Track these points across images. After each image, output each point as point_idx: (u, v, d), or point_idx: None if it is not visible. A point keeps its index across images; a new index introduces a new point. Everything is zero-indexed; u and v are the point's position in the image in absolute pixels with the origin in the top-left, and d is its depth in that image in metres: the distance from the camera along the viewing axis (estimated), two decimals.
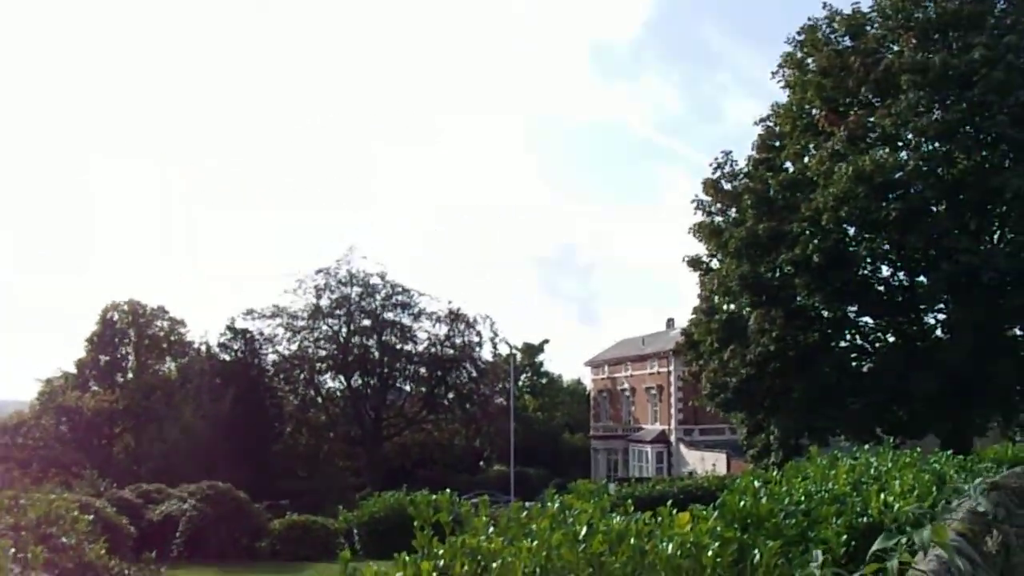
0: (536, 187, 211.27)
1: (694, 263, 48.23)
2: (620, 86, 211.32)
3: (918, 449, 12.44)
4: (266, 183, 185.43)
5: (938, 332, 44.02)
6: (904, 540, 3.92)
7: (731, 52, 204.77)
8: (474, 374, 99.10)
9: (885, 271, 44.57)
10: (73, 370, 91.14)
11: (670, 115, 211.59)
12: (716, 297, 45.65)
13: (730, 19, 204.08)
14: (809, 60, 44.52)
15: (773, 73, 46.37)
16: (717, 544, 5.93)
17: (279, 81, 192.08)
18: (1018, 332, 42.06)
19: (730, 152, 47.08)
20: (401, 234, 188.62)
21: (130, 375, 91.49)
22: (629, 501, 8.87)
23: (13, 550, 7.26)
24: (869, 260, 43.01)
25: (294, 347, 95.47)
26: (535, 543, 6.56)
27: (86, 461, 67.11)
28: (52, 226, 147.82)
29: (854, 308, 44.34)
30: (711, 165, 47.12)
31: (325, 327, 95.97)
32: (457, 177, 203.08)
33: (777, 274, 42.35)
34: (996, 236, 42.54)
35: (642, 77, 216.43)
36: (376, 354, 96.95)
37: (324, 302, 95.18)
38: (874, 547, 3.86)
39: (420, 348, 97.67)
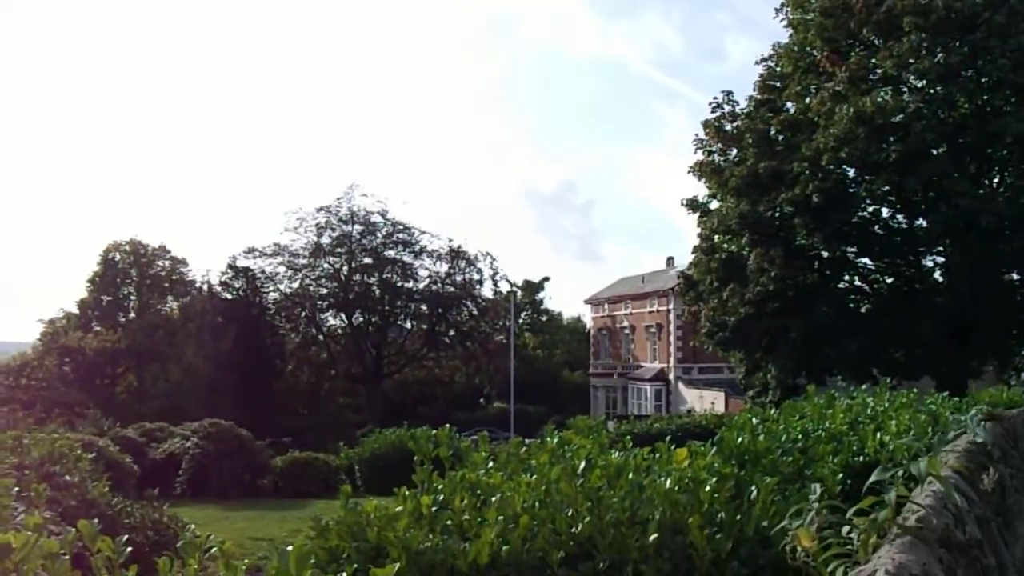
0: (535, 123, 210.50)
1: (692, 205, 48.11)
2: (619, 24, 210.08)
3: (914, 390, 12.52)
4: (266, 121, 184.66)
5: (936, 275, 44.14)
6: (900, 472, 3.98)
7: None
8: (475, 311, 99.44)
9: (884, 213, 44.60)
10: (75, 311, 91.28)
11: (670, 54, 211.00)
12: (716, 236, 45.60)
13: None
14: (812, 0, 44.23)
15: (776, 10, 46.07)
16: (715, 480, 6.01)
17: (280, 19, 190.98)
18: (1015, 276, 42.12)
19: (730, 92, 46.81)
20: (403, 171, 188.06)
21: (132, 315, 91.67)
22: (628, 437, 8.96)
23: (17, 488, 7.31)
24: (869, 202, 42.98)
25: (295, 285, 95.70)
26: (534, 478, 6.64)
27: (89, 401, 67.28)
28: (52, 165, 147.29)
29: (853, 249, 44.40)
30: (711, 105, 46.93)
31: (326, 265, 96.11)
32: (456, 113, 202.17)
33: (777, 214, 42.35)
34: (995, 180, 42.53)
35: (642, 15, 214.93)
36: (377, 292, 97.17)
37: (325, 240, 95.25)
38: (871, 479, 3.92)
39: (421, 286, 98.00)
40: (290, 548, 3.54)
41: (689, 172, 46.71)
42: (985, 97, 40.41)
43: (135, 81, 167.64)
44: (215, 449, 39.47)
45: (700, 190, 48.23)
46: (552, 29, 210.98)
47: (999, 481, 6.74)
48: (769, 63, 47.06)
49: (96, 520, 4.75)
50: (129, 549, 4.72)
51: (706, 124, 46.29)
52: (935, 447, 5.49)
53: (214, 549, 4.78)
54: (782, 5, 45.70)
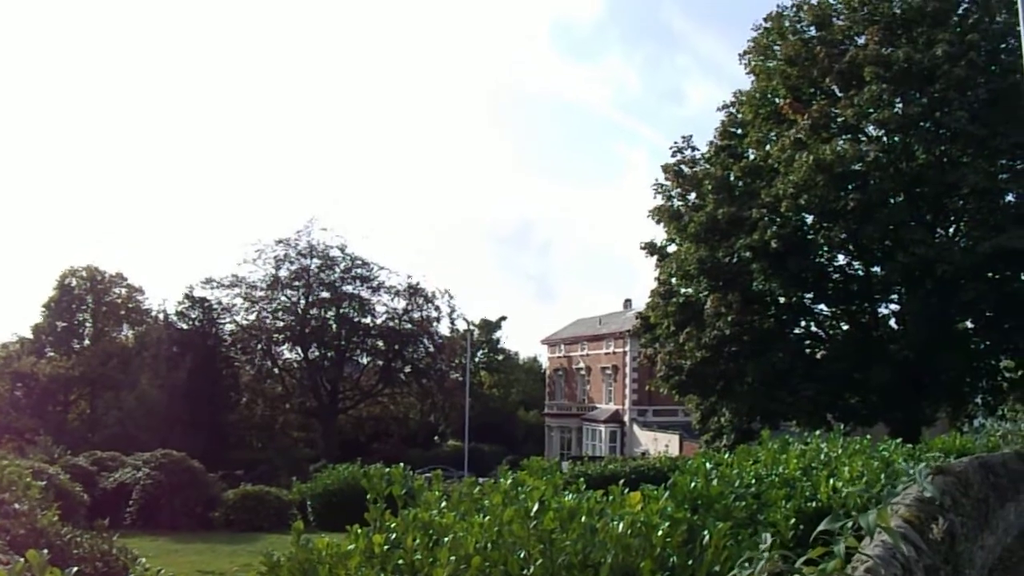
0: (495, 164, 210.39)
1: (651, 248, 48.23)
2: (581, 66, 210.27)
3: (868, 436, 12.61)
4: (226, 152, 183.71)
5: (892, 322, 44.38)
6: (850, 524, 4.00)
7: (693, 35, 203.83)
8: (431, 349, 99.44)
9: (841, 260, 44.83)
10: (29, 335, 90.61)
11: (631, 96, 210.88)
12: (674, 280, 45.72)
13: (692, 1, 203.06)
14: (775, 47, 44.56)
15: (741, 56, 46.35)
16: (667, 524, 6.01)
17: (245, 50, 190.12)
18: (969, 325, 42.41)
19: (690, 137, 47.31)
20: (361, 206, 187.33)
21: (87, 342, 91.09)
22: (581, 479, 9.00)
23: None
24: (826, 248, 43.19)
25: (252, 317, 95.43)
26: (487, 518, 6.63)
27: (40, 427, 66.82)
28: (8, 187, 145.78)
29: (810, 295, 44.60)
30: (671, 150, 47.13)
31: (283, 298, 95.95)
32: (415, 151, 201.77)
33: (735, 259, 42.49)
34: (952, 230, 42.86)
35: (604, 57, 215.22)
36: (334, 326, 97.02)
37: (283, 273, 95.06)
38: (819, 528, 3.95)
39: (378, 321, 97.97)
40: None
41: (648, 216, 46.86)
42: (943, 148, 40.77)
43: (96, 106, 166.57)
44: (167, 480, 39.22)
45: (659, 233, 48.46)
46: (510, 70, 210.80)
47: (949, 530, 6.79)
48: (730, 109, 47.35)
49: (45, 550, 4.72)
50: None
51: (666, 168, 46.50)
52: (884, 499, 5.53)
53: None
54: (745, 52, 46.03)
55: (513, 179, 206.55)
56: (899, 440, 13.59)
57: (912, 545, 4.96)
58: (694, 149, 46.93)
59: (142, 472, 39.76)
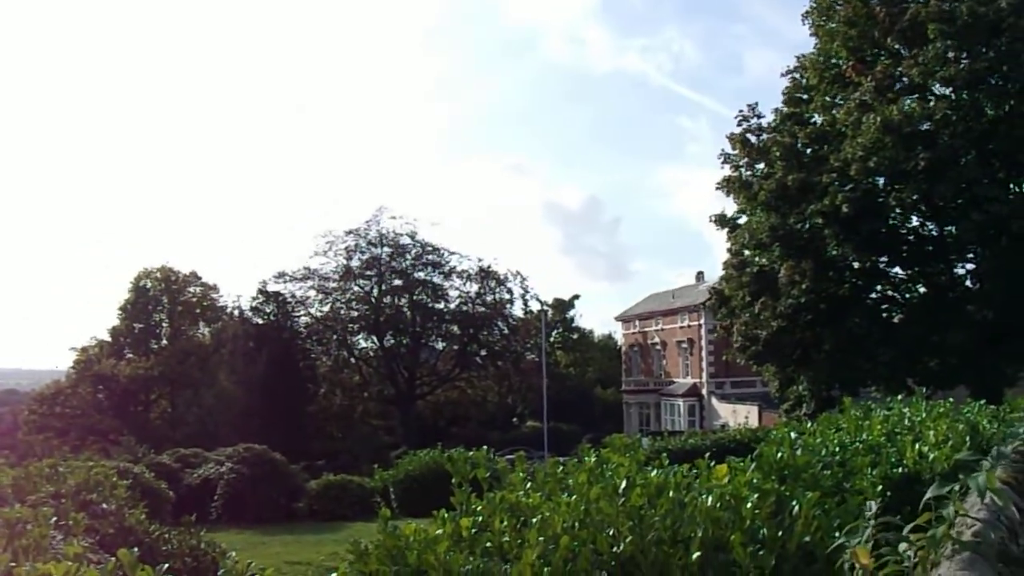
0: (557, 141, 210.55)
1: (721, 220, 47.97)
2: (637, 40, 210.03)
3: (950, 399, 12.44)
4: (295, 145, 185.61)
5: (968, 282, 43.83)
6: (957, 487, 3.94)
7: (748, 3, 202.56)
8: (506, 331, 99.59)
9: (915, 221, 44.39)
10: (108, 338, 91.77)
11: (689, 68, 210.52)
12: (746, 251, 45.48)
13: None
14: (837, 7, 44.07)
15: (803, 16, 45.88)
16: (755, 496, 5.96)
17: (307, 48, 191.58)
18: None
19: (755, 105, 46.70)
20: (429, 193, 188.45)
21: (164, 341, 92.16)
22: (663, 454, 8.94)
23: (55, 518, 7.33)
24: (899, 210, 42.76)
25: (326, 309, 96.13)
26: (574, 497, 6.61)
27: (123, 428, 67.77)
28: (83, 195, 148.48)
29: (884, 259, 44.16)
30: (736, 119, 46.87)
31: (356, 288, 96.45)
32: (478, 134, 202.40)
33: (807, 226, 42.20)
34: None
35: (660, 31, 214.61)
36: (408, 313, 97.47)
37: (355, 263, 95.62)
38: (927, 495, 3.88)
39: (452, 306, 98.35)
40: (334, 575, 3.53)
41: (717, 188, 46.63)
42: (1012, 103, 40.18)
43: (166, 111, 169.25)
44: (250, 473, 39.49)
45: (728, 204, 48.17)
46: (569, 48, 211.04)
47: None
48: (795, 75, 46.95)
49: (135, 548, 4.75)
50: None
51: (732, 137, 46.22)
52: (993, 460, 5.44)
53: (254, 575, 4.77)
54: (807, 12, 45.58)
55: (577, 156, 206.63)
56: (982, 401, 13.41)
57: (1015, 507, 4.87)
58: (759, 117, 46.64)
59: (225, 467, 40.08)
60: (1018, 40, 37.98)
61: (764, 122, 46.39)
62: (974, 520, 3.97)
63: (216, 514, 37.33)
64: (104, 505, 14.84)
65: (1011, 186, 41.59)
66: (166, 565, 4.87)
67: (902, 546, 3.81)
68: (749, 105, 46.89)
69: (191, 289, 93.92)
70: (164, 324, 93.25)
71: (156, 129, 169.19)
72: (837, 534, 4.83)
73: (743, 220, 46.48)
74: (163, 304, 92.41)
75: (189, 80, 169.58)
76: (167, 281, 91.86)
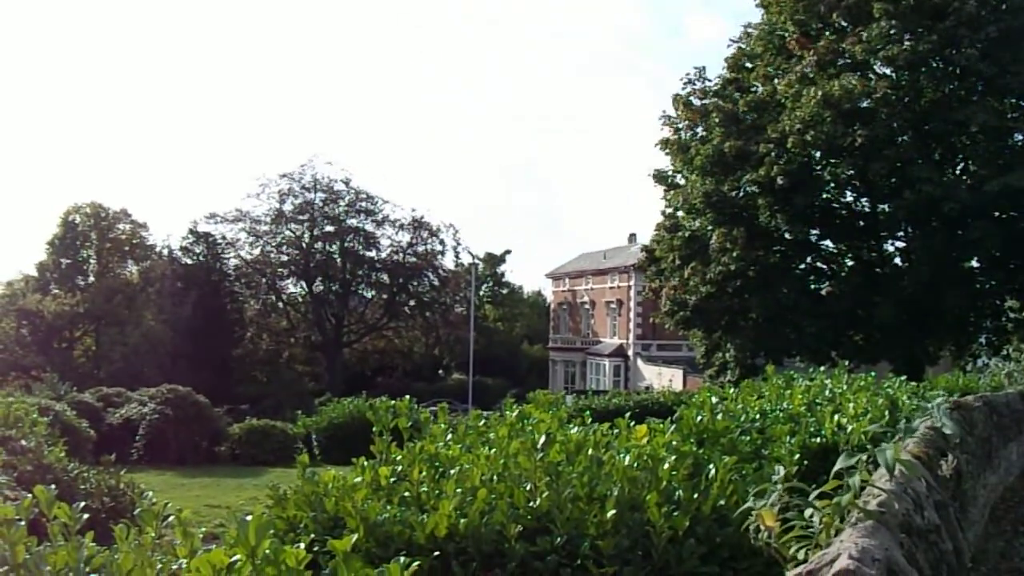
0: (496, 97, 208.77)
1: (660, 177, 48.08)
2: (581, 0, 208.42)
3: (872, 373, 12.59)
4: (231, 84, 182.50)
5: (897, 260, 44.31)
6: (865, 458, 3.99)
7: None
8: (436, 282, 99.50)
9: (848, 197, 44.73)
10: (34, 273, 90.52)
11: (631, 29, 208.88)
12: (680, 214, 45.65)
13: None
14: None
15: None
16: (673, 457, 6.03)
17: None
18: (975, 264, 42.34)
19: (703, 68, 46.86)
20: (365, 138, 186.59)
21: (92, 278, 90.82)
22: (586, 413, 8.98)
23: None
24: (833, 185, 43.09)
25: (256, 252, 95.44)
26: (493, 451, 6.65)
27: (46, 364, 66.71)
28: (9, 126, 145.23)
29: (816, 231, 44.51)
30: (682, 81, 46.97)
31: (288, 232, 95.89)
32: (417, 86, 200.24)
33: (741, 194, 42.39)
34: (959, 168, 42.66)
35: None
36: (338, 260, 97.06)
37: (287, 207, 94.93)
38: (837, 465, 3.93)
39: (383, 255, 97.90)
40: (249, 517, 3.52)
41: (656, 147, 46.73)
42: (952, 86, 40.53)
43: (96, 42, 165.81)
44: (173, 415, 39.25)
45: (667, 164, 48.25)
46: (510, 5, 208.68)
47: (957, 468, 6.78)
48: (740, 44, 47.07)
49: (52, 486, 4.72)
50: (86, 516, 4.70)
51: (676, 98, 46.26)
52: (902, 434, 5.53)
53: (171, 517, 4.76)
54: None
55: (515, 113, 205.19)
56: (903, 378, 13.58)
57: (923, 480, 4.95)
58: (706, 80, 46.73)
59: (148, 407, 39.79)
60: (962, 25, 38.22)
61: (710, 85, 46.54)
62: (881, 490, 4.03)
63: (137, 455, 37.11)
64: (23, 442, 14.73)
65: (945, 168, 41.98)
66: (83, 503, 4.84)
67: (808, 511, 3.87)
68: (696, 68, 47.07)
69: (121, 226, 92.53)
70: (92, 261, 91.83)
71: (91, 63, 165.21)
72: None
73: (680, 180, 46.63)
74: (91, 240, 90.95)
75: (129, 9, 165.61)
76: (96, 217, 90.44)
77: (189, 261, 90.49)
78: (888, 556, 3.31)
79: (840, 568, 3.03)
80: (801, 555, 3.65)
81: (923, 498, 4.65)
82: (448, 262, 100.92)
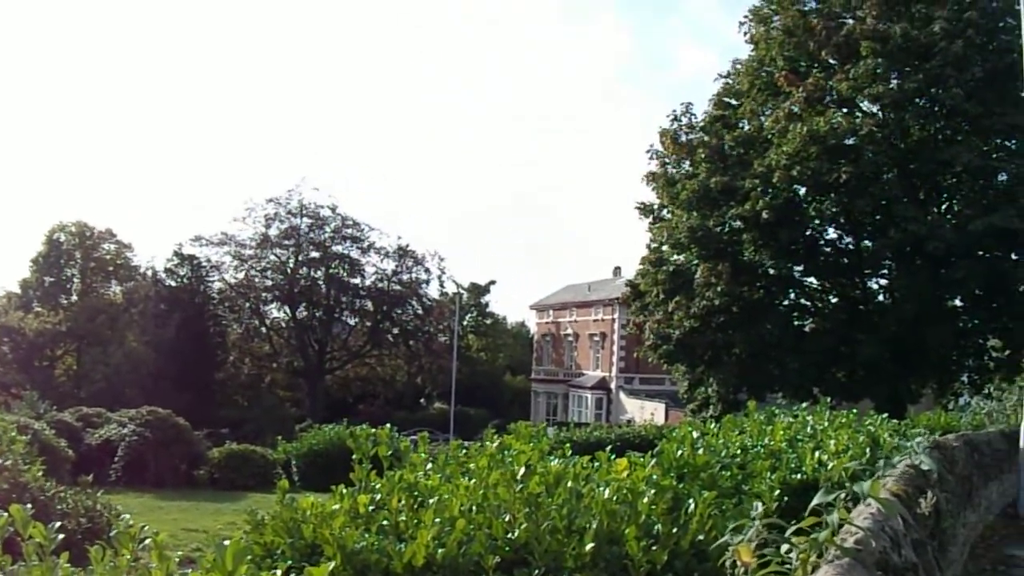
0: (486, 127, 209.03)
1: (645, 210, 48.17)
2: (570, 29, 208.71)
3: (854, 411, 12.62)
4: (220, 108, 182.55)
5: (881, 298, 44.44)
6: (843, 495, 4.00)
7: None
8: (420, 311, 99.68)
9: (832, 233, 44.85)
10: (17, 290, 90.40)
11: (619, 60, 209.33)
12: (664, 248, 45.72)
13: None
14: (774, 18, 44.40)
15: (740, 24, 46.18)
16: (653, 491, 6.02)
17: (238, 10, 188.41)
18: (958, 303, 42.49)
19: (690, 104, 46.97)
20: (353, 166, 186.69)
21: (75, 297, 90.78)
22: (567, 445, 8.98)
23: None
24: (817, 221, 43.20)
25: (241, 276, 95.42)
26: (473, 481, 6.64)
27: (26, 382, 66.70)
28: None
29: (800, 268, 44.56)
30: (669, 116, 46.97)
31: (273, 257, 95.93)
32: (408, 115, 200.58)
33: (726, 229, 42.48)
34: (943, 207, 42.85)
35: (594, 22, 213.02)
36: (323, 286, 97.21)
37: (273, 232, 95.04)
38: (815, 501, 3.94)
39: (367, 282, 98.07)
40: (227, 543, 3.51)
41: (643, 181, 46.83)
42: (938, 125, 40.80)
43: (84, 61, 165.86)
44: (152, 437, 39.17)
45: (653, 199, 48.31)
46: (495, 34, 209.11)
47: (936, 505, 6.79)
48: (727, 80, 47.28)
49: (28, 505, 4.71)
50: (61, 536, 4.68)
51: (663, 133, 46.35)
52: (880, 471, 5.54)
53: (148, 540, 4.74)
54: (745, 19, 45.88)
55: (504, 143, 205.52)
56: (885, 415, 13.61)
57: (901, 518, 4.95)
58: (692, 116, 46.84)
59: (128, 429, 39.71)
60: (948, 65, 38.44)
61: (696, 121, 46.65)
62: (858, 528, 4.04)
63: (115, 476, 37.05)
64: (0, 460, 14.69)
65: (930, 207, 42.17)
66: (59, 524, 4.82)
67: (785, 548, 3.87)
68: (683, 103, 47.18)
69: (105, 246, 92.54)
70: (75, 280, 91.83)
71: (80, 83, 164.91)
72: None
73: (666, 214, 46.72)
74: (76, 259, 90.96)
75: (115, 28, 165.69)
76: (81, 236, 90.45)
77: (173, 283, 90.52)
78: None
79: None
80: None
81: (901, 536, 4.66)
82: (433, 291, 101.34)
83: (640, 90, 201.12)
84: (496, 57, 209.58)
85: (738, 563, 4.01)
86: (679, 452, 7.61)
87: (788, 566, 3.76)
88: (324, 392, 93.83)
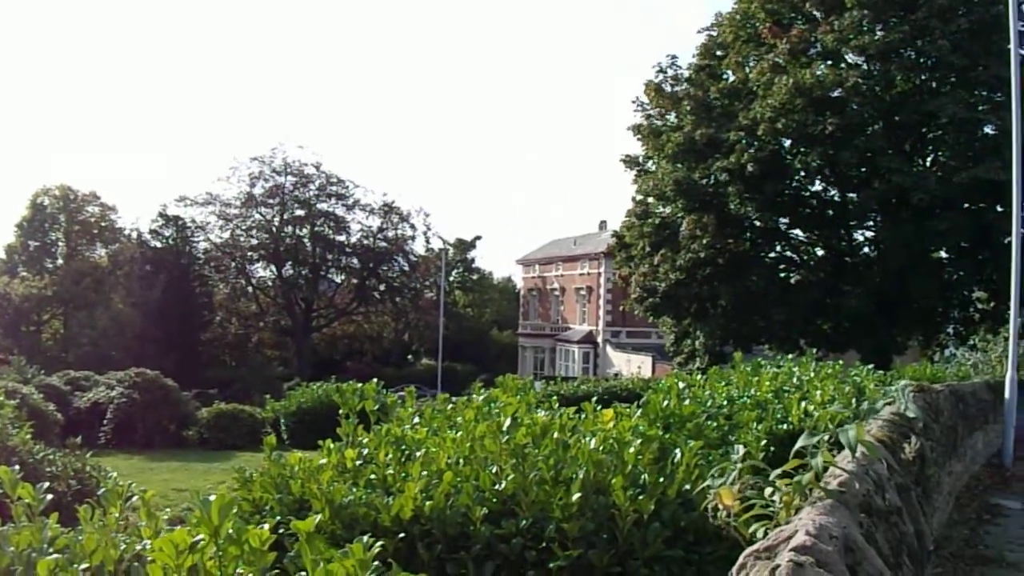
0: (468, 79, 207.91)
1: (630, 162, 48.18)
2: None
3: (840, 362, 12.67)
4: (205, 66, 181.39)
5: (866, 250, 44.55)
6: (827, 438, 4.01)
7: None
8: (406, 267, 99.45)
9: (818, 186, 44.92)
10: (2, 255, 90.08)
11: (603, 12, 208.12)
12: (650, 200, 45.75)
13: None
14: None
15: None
16: (639, 441, 6.03)
17: None
18: (943, 254, 42.59)
19: (675, 56, 46.99)
20: (336, 121, 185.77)
21: (60, 261, 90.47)
22: (554, 398, 9.01)
23: None
24: (803, 173, 43.25)
25: (226, 235, 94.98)
26: (459, 434, 6.65)
27: (13, 347, 66.35)
28: None
29: (786, 220, 44.67)
30: (655, 68, 47.01)
31: (258, 216, 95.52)
32: (391, 64, 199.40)
33: (712, 181, 42.48)
34: (929, 159, 42.92)
35: None
36: (308, 244, 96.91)
37: (257, 190, 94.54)
38: (798, 444, 3.96)
39: (353, 239, 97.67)
40: (213, 498, 3.52)
41: (628, 132, 46.85)
42: (923, 77, 40.79)
43: (65, 25, 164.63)
44: (141, 399, 39.12)
45: (638, 150, 48.32)
46: None
47: (920, 452, 6.82)
48: (711, 31, 47.18)
49: (17, 468, 4.71)
50: (50, 497, 4.68)
51: (648, 85, 46.33)
52: (864, 415, 5.55)
53: (136, 499, 4.75)
54: None
55: (489, 94, 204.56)
56: (871, 366, 13.66)
57: (885, 463, 4.98)
58: (678, 68, 46.77)
59: (116, 391, 39.66)
60: (933, 16, 38.38)
61: (682, 73, 46.60)
62: (842, 471, 4.06)
63: (105, 438, 37.00)
64: None
65: (915, 159, 42.22)
66: (46, 485, 4.83)
67: (768, 491, 3.89)
68: (669, 55, 47.23)
69: (89, 209, 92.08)
70: (60, 244, 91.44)
71: (66, 42, 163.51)
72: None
73: (651, 166, 46.72)
74: (60, 223, 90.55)
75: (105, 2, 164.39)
76: (65, 200, 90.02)
77: (158, 244, 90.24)
78: (846, 534, 3.33)
79: (797, 544, 3.05)
80: (760, 534, 3.66)
81: (884, 480, 4.68)
82: (418, 247, 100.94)
83: (625, 43, 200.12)
84: (479, 10, 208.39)
85: (720, 506, 4.03)
86: (665, 403, 7.64)
87: (771, 509, 3.78)
88: (311, 350, 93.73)
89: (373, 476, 6.23)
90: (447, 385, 67.66)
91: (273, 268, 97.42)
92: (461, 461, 6.16)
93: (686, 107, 43.36)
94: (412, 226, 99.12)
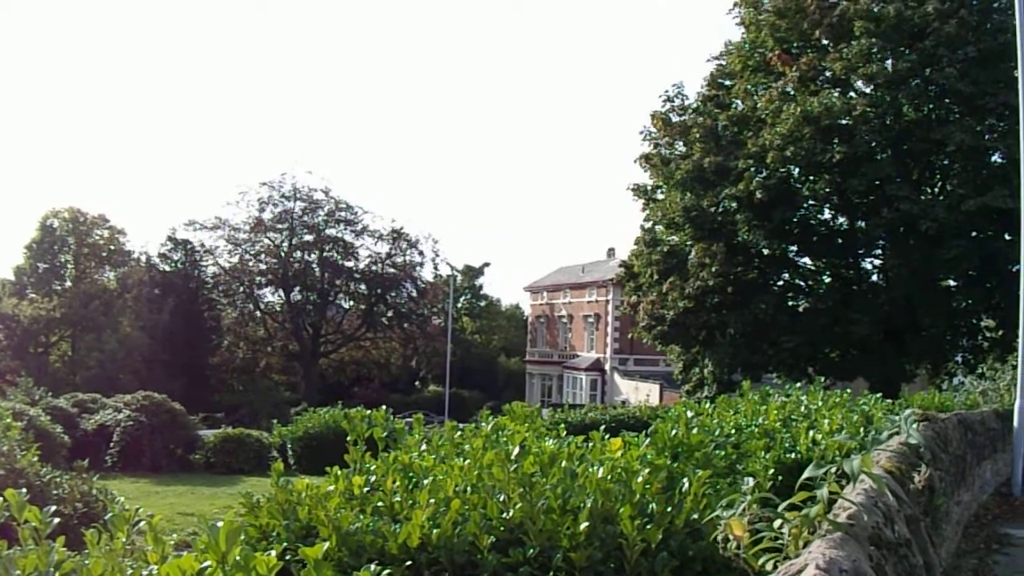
0: (478, 106, 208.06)
1: (639, 191, 48.23)
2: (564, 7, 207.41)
3: (848, 390, 12.65)
4: (215, 92, 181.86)
5: (874, 277, 44.56)
6: (833, 469, 4.01)
7: None
8: (414, 293, 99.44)
9: (826, 213, 44.95)
10: (11, 277, 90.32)
11: (610, 40, 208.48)
12: (658, 228, 45.79)
13: None
14: (765, 1, 44.39)
15: (730, 8, 46.22)
16: (647, 471, 6.01)
17: None
18: (951, 282, 42.58)
19: (681, 84, 47.22)
20: (345, 149, 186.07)
21: (69, 283, 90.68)
22: (562, 426, 8.99)
23: None
24: (811, 201, 43.33)
25: (235, 260, 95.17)
26: (467, 462, 6.64)
27: (21, 369, 66.52)
28: None
29: (794, 248, 44.72)
30: (661, 98, 47.04)
31: (267, 240, 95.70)
32: (402, 92, 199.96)
33: (720, 209, 42.56)
34: (937, 187, 42.97)
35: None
36: (317, 270, 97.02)
37: (267, 215, 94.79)
38: (804, 475, 3.95)
39: (361, 265, 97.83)
40: (220, 524, 3.51)
41: (636, 163, 46.89)
42: (931, 105, 40.89)
43: (78, 47, 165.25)
44: (148, 422, 39.11)
45: (646, 180, 48.37)
46: (484, 6, 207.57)
47: (929, 482, 6.80)
48: (720, 60, 47.26)
49: (24, 490, 4.70)
50: (57, 520, 4.68)
51: (654, 116, 46.38)
52: (869, 445, 5.54)
53: (142, 523, 4.74)
54: (735, 4, 45.84)
55: (495, 122, 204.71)
56: (879, 395, 13.64)
57: (894, 494, 4.97)
58: (684, 97, 46.85)
59: (123, 414, 39.64)
60: (941, 45, 38.48)
61: (688, 103, 46.68)
62: (851, 503, 4.05)
63: (111, 461, 37.02)
64: None
65: (923, 187, 42.27)
66: (53, 508, 4.82)
67: (776, 523, 3.88)
68: (674, 84, 47.32)
69: (99, 232, 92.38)
70: (69, 266, 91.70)
71: (76, 68, 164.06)
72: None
73: (660, 195, 46.76)
74: (69, 245, 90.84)
75: (108, 12, 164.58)
76: (75, 222, 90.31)
77: (167, 268, 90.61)
78: (856, 567, 3.32)
79: None
80: (769, 566, 3.66)
81: (894, 511, 4.67)
82: (427, 273, 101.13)
83: (633, 71, 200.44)
84: (490, 39, 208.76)
85: (730, 537, 4.02)
86: (673, 431, 7.62)
87: (780, 541, 3.77)
88: (319, 375, 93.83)
89: (380, 503, 6.22)
90: (454, 412, 67.74)
91: (281, 293, 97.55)
92: (469, 489, 6.15)
93: (695, 135, 43.41)
94: (420, 252, 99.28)
